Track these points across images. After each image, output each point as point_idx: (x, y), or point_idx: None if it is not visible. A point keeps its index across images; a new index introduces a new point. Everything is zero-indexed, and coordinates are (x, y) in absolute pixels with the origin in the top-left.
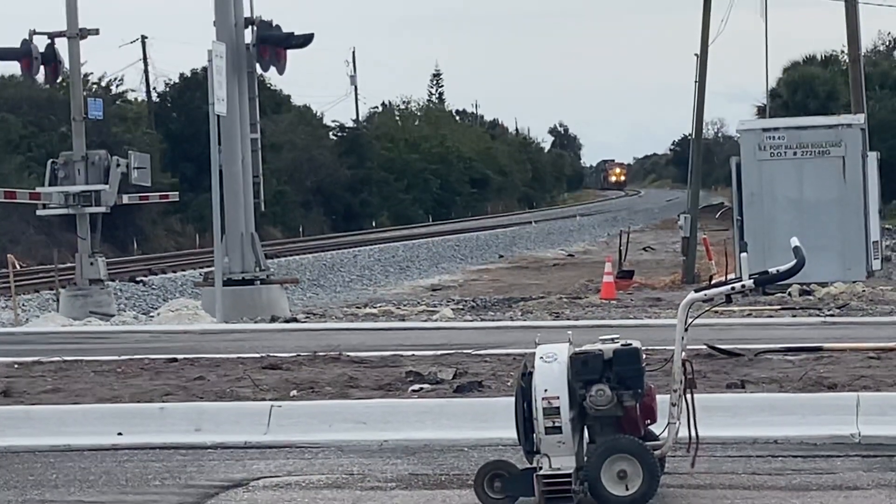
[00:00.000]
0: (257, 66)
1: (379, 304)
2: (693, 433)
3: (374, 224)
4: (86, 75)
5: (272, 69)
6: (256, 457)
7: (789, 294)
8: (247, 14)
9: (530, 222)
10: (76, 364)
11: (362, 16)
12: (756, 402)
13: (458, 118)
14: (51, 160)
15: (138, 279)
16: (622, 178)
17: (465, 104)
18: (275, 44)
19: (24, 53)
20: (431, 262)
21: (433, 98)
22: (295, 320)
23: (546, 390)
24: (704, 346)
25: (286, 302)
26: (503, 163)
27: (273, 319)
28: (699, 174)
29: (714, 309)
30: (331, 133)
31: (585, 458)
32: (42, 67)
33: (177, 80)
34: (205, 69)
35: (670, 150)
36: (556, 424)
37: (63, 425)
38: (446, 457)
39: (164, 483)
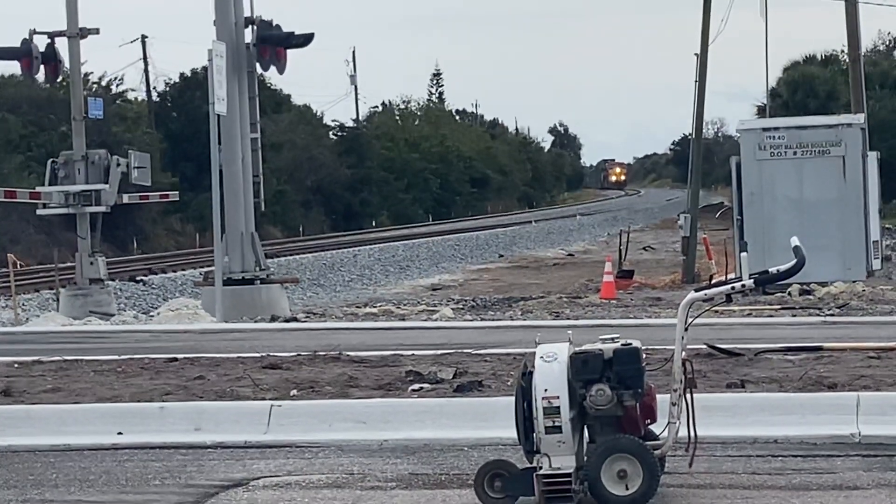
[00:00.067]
0: (257, 65)
1: (379, 304)
2: (691, 433)
3: (374, 224)
4: (86, 75)
5: (272, 69)
6: (256, 456)
7: (789, 294)
8: (247, 14)
9: (530, 222)
10: (76, 363)
11: (362, 16)
12: (756, 402)
13: (458, 118)
14: (51, 160)
15: (138, 279)
16: (622, 177)
17: (465, 104)
18: (275, 43)
19: (24, 53)
20: (431, 261)
21: (433, 98)
22: (295, 320)
23: (546, 390)
24: (704, 346)
25: (286, 301)
26: (503, 162)
27: (273, 319)
28: (699, 174)
29: (714, 309)
30: (331, 132)
31: (585, 458)
32: (42, 67)
33: (177, 80)
34: (205, 69)
35: (670, 149)
36: (557, 424)
37: (63, 425)
38: (446, 456)
39: (164, 483)
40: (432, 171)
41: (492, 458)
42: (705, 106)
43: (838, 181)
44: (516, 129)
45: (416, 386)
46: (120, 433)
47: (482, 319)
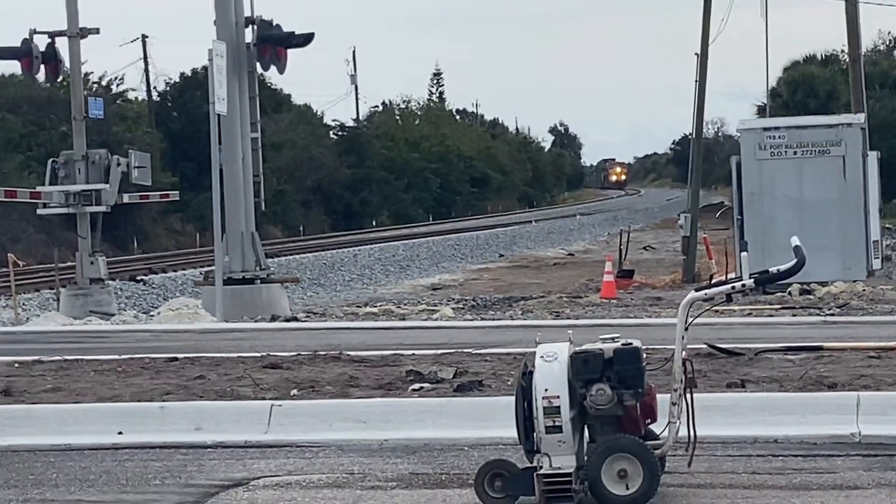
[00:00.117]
0: (257, 65)
1: (379, 304)
2: (692, 433)
3: (374, 223)
4: (86, 74)
5: (272, 68)
6: (257, 456)
7: (789, 293)
8: (247, 13)
9: (530, 221)
10: (76, 363)
11: (362, 16)
12: (756, 402)
13: (458, 117)
14: (51, 159)
15: (139, 278)
16: (622, 177)
17: (465, 103)
18: (275, 43)
19: (24, 53)
20: (432, 261)
21: (433, 97)
22: (295, 319)
23: (546, 389)
24: (705, 346)
25: (286, 301)
26: (503, 162)
27: (273, 318)
28: (699, 173)
29: (714, 308)
30: (331, 132)
31: (586, 458)
32: (42, 66)
33: (177, 80)
34: (205, 68)
35: (670, 149)
36: (557, 423)
37: (63, 424)
38: (446, 456)
39: (164, 482)
40: (432, 170)
41: (492, 457)
42: (705, 106)
43: (838, 181)
44: (516, 128)
45: (417, 385)
46: (120, 433)
47: (482, 319)
